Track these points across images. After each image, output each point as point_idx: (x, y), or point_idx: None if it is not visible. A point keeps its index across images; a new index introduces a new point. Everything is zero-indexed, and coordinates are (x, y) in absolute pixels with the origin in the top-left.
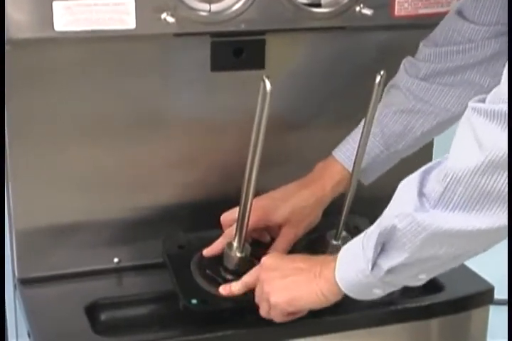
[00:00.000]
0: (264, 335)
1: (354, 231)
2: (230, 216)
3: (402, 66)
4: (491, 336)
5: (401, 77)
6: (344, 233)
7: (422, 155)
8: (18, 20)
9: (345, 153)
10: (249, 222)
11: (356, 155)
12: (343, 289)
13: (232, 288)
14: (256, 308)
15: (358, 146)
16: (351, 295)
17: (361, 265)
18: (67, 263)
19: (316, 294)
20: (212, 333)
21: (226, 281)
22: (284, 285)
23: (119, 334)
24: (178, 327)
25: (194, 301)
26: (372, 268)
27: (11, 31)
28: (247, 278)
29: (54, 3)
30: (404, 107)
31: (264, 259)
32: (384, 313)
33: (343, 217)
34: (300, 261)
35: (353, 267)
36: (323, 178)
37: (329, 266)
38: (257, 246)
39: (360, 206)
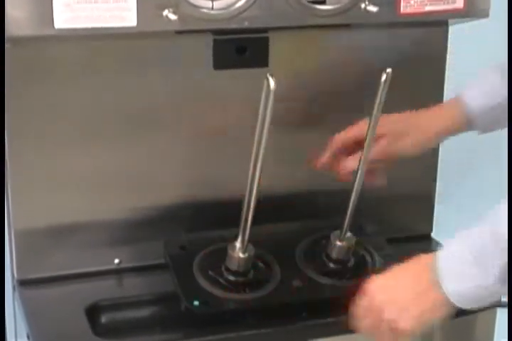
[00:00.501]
0: (268, 337)
1: (358, 231)
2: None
3: None
4: (497, 337)
5: None
6: (349, 233)
7: (426, 157)
8: (18, 17)
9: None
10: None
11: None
12: (456, 304)
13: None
14: (259, 309)
15: (365, 143)
16: (460, 306)
17: (485, 282)
18: (67, 264)
19: (435, 307)
20: (215, 335)
21: (228, 282)
22: (403, 308)
23: (119, 336)
24: (180, 329)
25: (196, 303)
26: (503, 284)
27: (11, 29)
28: (359, 311)
29: (54, 0)
30: None
31: (365, 287)
32: None
33: (347, 217)
34: (401, 277)
35: (472, 285)
36: (438, 111)
37: (435, 284)
38: (260, 246)
39: (364, 206)
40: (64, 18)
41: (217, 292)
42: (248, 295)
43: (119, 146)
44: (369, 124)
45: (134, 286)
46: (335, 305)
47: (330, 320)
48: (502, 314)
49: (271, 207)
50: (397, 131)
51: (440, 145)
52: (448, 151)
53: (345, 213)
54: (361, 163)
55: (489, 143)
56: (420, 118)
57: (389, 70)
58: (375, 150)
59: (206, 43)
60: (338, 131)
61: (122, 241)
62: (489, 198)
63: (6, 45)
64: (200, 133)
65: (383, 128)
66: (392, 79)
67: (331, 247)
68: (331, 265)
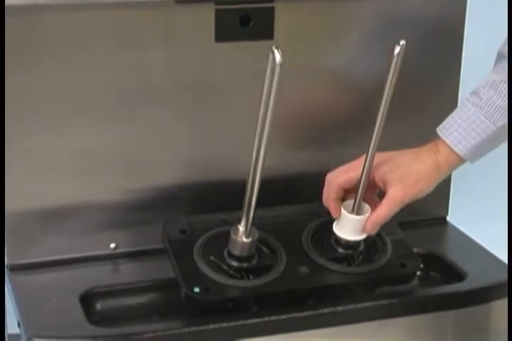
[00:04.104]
0: (272, 326)
1: None
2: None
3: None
4: None
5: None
6: None
7: None
8: None
9: (453, 135)
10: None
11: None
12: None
13: None
14: (263, 297)
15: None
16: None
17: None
18: (61, 248)
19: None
20: (216, 324)
21: (231, 268)
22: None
23: (115, 324)
24: (179, 318)
25: (196, 289)
26: None
27: None
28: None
29: None
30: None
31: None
32: (402, 303)
33: (357, 200)
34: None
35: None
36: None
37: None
38: (264, 230)
39: None
40: None
41: (219, 278)
42: (252, 282)
43: (115, 124)
44: (382, 103)
45: (131, 272)
46: (343, 292)
47: (339, 308)
48: None
49: (276, 189)
50: (407, 176)
51: None
52: None
53: (355, 195)
54: (373, 141)
55: None
56: (426, 158)
57: (402, 42)
58: (385, 205)
59: (208, 14)
60: (350, 107)
61: (118, 225)
62: (505, 182)
63: None
64: (201, 111)
65: (392, 175)
66: (407, 52)
67: None
68: (340, 250)
